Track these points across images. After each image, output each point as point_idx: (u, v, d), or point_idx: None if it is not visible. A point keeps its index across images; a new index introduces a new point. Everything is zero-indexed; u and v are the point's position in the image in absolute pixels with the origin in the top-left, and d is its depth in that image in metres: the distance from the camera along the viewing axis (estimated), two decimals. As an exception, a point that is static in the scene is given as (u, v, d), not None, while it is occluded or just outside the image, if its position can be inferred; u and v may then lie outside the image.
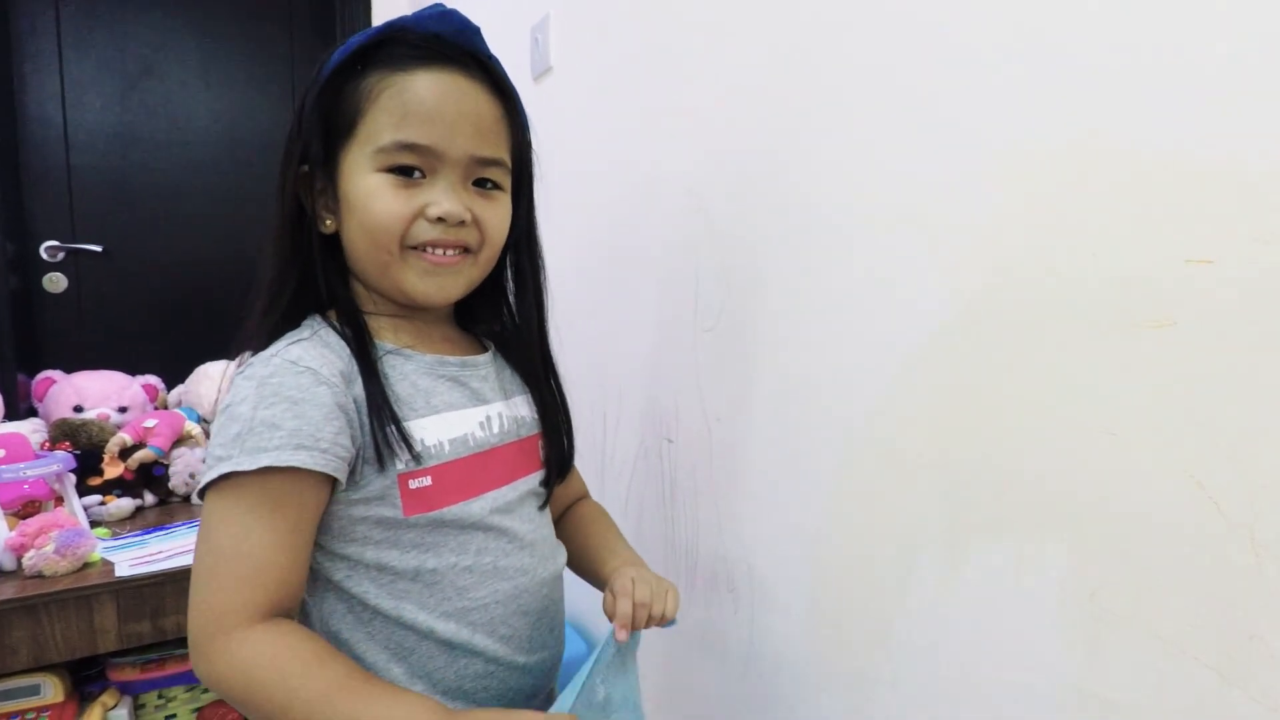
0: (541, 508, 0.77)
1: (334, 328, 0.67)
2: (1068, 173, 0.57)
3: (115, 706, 1.19)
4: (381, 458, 0.63)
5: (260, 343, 0.66)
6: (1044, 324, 0.59)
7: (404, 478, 0.64)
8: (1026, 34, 0.60)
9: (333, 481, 0.62)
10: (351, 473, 0.63)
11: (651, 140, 1.10)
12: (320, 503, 0.62)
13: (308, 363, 0.61)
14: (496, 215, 0.71)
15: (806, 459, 0.83)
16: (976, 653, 0.65)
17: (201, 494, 0.60)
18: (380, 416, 0.63)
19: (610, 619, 0.70)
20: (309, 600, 0.68)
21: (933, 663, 0.69)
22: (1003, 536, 0.62)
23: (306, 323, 0.68)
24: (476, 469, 0.69)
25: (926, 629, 0.70)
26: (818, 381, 0.81)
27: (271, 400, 0.59)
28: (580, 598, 0.95)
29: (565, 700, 0.62)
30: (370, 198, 0.65)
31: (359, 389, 0.63)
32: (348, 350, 0.65)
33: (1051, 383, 0.59)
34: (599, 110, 1.26)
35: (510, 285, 0.80)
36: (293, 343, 0.64)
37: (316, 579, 0.67)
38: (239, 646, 0.56)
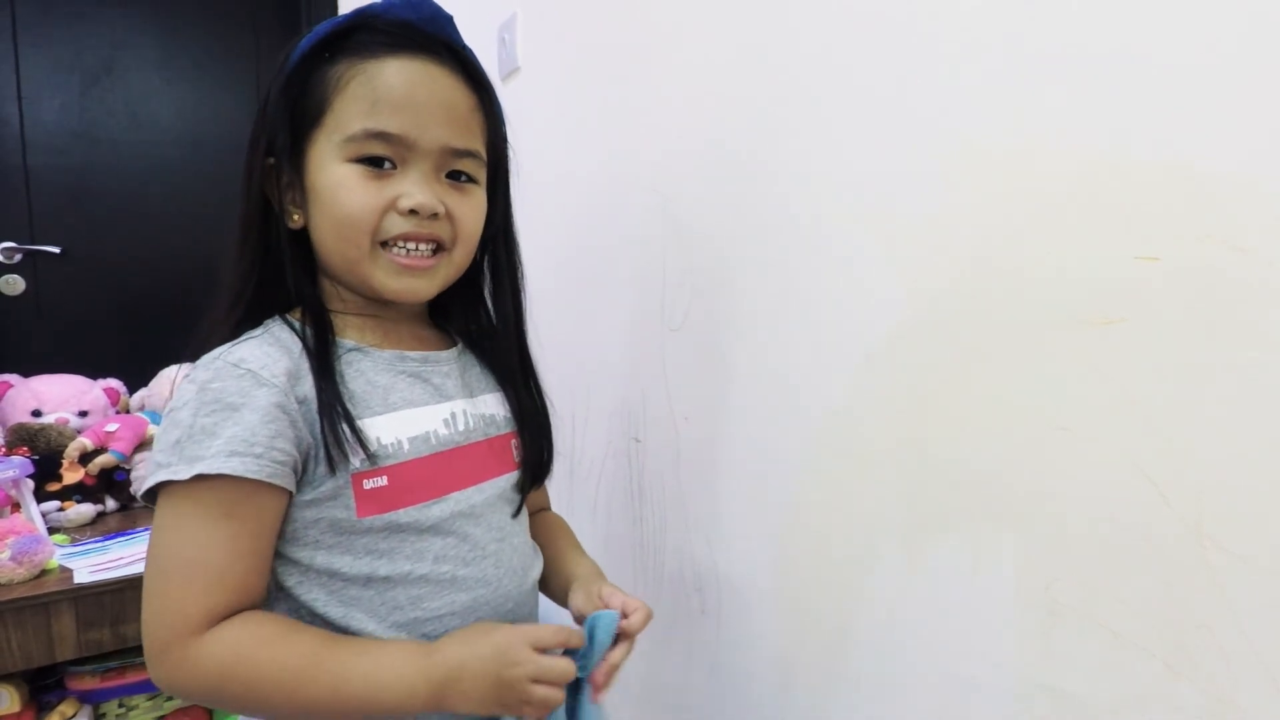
0: (515, 515, 0.74)
1: (289, 324, 0.66)
2: (1022, 173, 0.58)
3: (74, 716, 1.17)
4: (331, 457, 0.61)
5: (219, 342, 0.64)
6: (998, 322, 0.60)
7: (358, 477, 0.62)
8: (984, 37, 0.60)
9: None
10: (304, 472, 0.61)
11: (619, 139, 1.10)
12: (277, 506, 0.61)
13: (249, 364, 0.60)
14: (471, 209, 0.69)
15: (772, 457, 0.84)
16: (935, 646, 0.66)
17: (146, 498, 0.60)
18: (331, 415, 0.61)
19: (580, 619, 0.70)
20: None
21: (893, 657, 0.70)
22: (960, 532, 0.63)
23: (266, 321, 0.66)
24: (440, 468, 0.67)
25: (887, 624, 0.70)
26: (782, 380, 0.82)
27: (212, 407, 0.58)
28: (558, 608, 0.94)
29: None
30: (338, 189, 0.63)
31: (307, 387, 0.62)
32: (299, 346, 0.63)
33: (1006, 379, 0.60)
34: (567, 110, 1.25)
35: (487, 283, 0.78)
36: (240, 342, 0.63)
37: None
38: (199, 649, 0.56)
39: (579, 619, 0.71)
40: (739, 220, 0.87)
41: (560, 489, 1.27)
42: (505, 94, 1.42)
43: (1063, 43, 0.55)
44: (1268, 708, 0.45)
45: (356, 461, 0.62)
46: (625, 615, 0.67)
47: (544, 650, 0.60)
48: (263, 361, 0.60)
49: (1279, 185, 0.44)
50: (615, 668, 0.66)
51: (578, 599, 0.73)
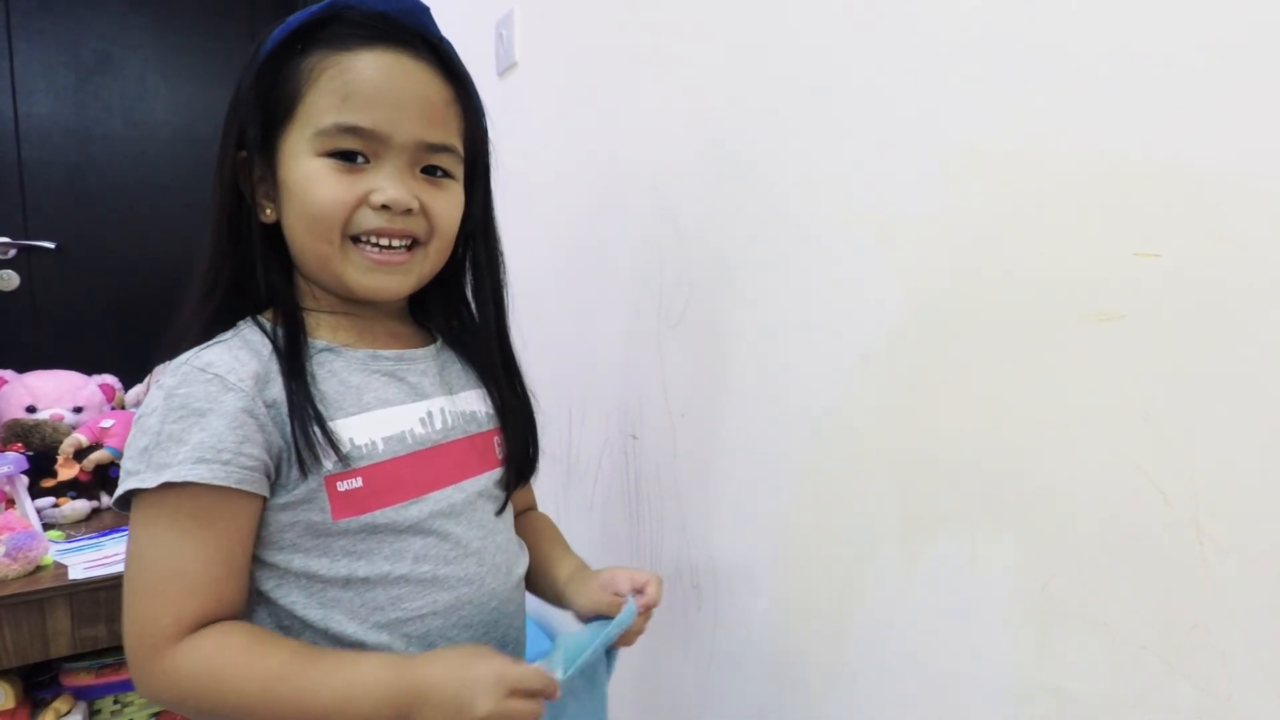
0: (499, 512, 0.73)
1: (260, 326, 0.64)
2: (1021, 171, 0.58)
3: (69, 712, 1.16)
4: (303, 460, 0.60)
5: (193, 340, 0.63)
6: (997, 320, 0.60)
7: (332, 480, 0.61)
8: (983, 37, 0.60)
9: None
10: (277, 476, 0.61)
11: (617, 137, 1.10)
12: (250, 513, 0.60)
13: (216, 369, 0.59)
14: (447, 204, 0.67)
15: (769, 455, 0.84)
16: (932, 644, 0.66)
17: (118, 505, 0.59)
18: (301, 417, 0.60)
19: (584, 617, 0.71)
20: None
21: (890, 655, 0.70)
22: (957, 530, 0.63)
23: (238, 324, 0.65)
24: (417, 468, 0.66)
25: (884, 622, 0.70)
26: (780, 378, 0.82)
27: (179, 413, 0.57)
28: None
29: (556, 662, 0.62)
30: (309, 183, 0.62)
31: (276, 390, 0.60)
32: (269, 348, 0.62)
33: (1004, 377, 0.60)
34: (564, 106, 1.25)
35: (468, 280, 0.77)
36: (209, 345, 0.62)
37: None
38: (173, 661, 0.56)
39: (583, 619, 0.73)
40: (738, 219, 0.87)
41: (557, 486, 1.27)
42: (501, 90, 1.43)
43: (1062, 42, 0.55)
44: (1265, 707, 0.45)
45: (329, 464, 0.61)
46: (639, 590, 0.70)
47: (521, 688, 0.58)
48: (230, 365, 0.59)
49: (1278, 183, 0.44)
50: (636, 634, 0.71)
51: (580, 600, 0.73)
